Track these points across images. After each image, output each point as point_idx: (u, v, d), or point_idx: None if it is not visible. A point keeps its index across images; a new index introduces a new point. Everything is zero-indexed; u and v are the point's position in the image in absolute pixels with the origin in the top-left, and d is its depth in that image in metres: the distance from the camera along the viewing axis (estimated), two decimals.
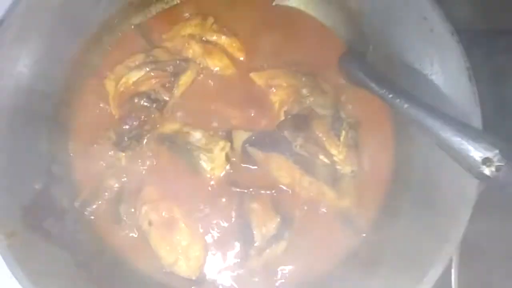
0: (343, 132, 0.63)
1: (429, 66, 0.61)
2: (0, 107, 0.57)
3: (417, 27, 0.61)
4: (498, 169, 0.49)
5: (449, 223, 0.54)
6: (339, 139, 0.63)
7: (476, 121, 0.55)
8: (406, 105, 0.57)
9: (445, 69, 0.59)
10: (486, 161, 0.49)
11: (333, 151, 0.63)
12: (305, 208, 0.62)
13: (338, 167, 0.63)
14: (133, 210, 0.61)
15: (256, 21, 0.70)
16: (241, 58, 0.69)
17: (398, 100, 0.58)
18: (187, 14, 0.70)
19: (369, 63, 0.65)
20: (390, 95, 0.58)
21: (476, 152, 0.50)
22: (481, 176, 0.50)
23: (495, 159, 0.49)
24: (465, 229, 0.53)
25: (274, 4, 0.72)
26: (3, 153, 0.56)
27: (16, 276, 0.50)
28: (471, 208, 0.53)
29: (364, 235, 0.62)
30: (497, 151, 0.49)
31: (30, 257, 0.52)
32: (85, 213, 0.61)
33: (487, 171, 0.49)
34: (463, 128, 0.52)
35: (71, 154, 0.64)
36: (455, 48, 0.58)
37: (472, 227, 0.54)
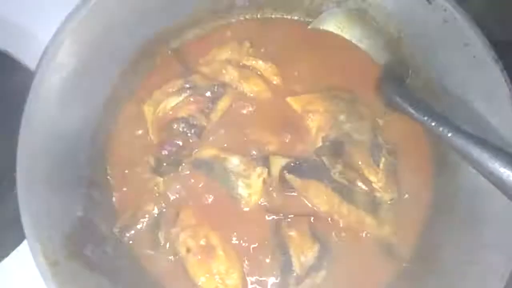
0: (382, 159, 0.62)
1: (471, 93, 0.60)
2: (44, 134, 0.58)
3: (459, 53, 0.60)
4: None
5: (495, 256, 0.53)
6: (378, 166, 0.62)
7: None
8: (450, 134, 0.56)
9: (488, 97, 0.59)
10: None
11: (372, 178, 0.62)
12: (344, 235, 0.61)
13: (377, 194, 0.62)
14: (170, 236, 0.61)
15: (292, 45, 0.71)
16: (277, 83, 0.69)
17: (441, 129, 0.57)
18: (223, 39, 0.71)
19: (408, 88, 0.64)
20: (433, 123, 0.58)
21: None
22: None
23: None
24: None
25: (310, 27, 0.72)
26: (45, 182, 0.57)
27: None
28: None
29: (405, 264, 0.61)
30: None
31: (72, 284, 0.53)
32: (124, 238, 0.61)
33: None
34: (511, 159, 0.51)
35: (110, 180, 0.65)
36: (499, 76, 0.58)
37: None
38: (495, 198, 0.54)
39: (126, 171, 0.64)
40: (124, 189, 0.64)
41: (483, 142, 0.53)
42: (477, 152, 0.53)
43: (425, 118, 0.59)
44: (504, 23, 0.75)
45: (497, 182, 0.51)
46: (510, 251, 0.53)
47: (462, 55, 0.60)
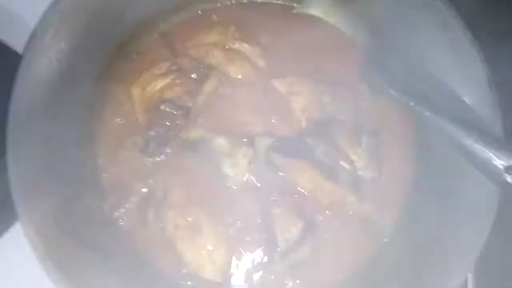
0: (364, 139, 0.64)
1: (450, 75, 0.62)
2: (33, 114, 0.59)
3: (438, 36, 0.62)
4: None
5: (471, 230, 0.55)
6: (359, 146, 0.64)
7: (497, 129, 0.57)
8: (427, 113, 0.58)
9: (465, 78, 0.60)
10: (509, 169, 0.50)
11: (354, 157, 0.64)
12: (328, 213, 0.63)
13: (359, 172, 0.64)
14: (159, 214, 0.63)
15: (277, 28, 0.71)
16: (262, 65, 0.70)
17: (419, 108, 0.59)
18: (209, 23, 0.72)
19: (390, 70, 0.66)
20: (411, 103, 0.60)
21: (498, 160, 0.51)
22: (503, 184, 0.51)
23: None
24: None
25: (294, 12, 0.73)
26: (35, 160, 0.58)
27: (52, 278, 0.52)
28: (494, 215, 0.55)
29: (386, 240, 0.63)
30: None
31: (64, 259, 0.54)
32: (114, 216, 0.63)
33: (509, 178, 0.50)
34: (485, 136, 0.53)
35: (99, 160, 0.66)
36: (476, 57, 0.59)
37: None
38: (470, 175, 0.57)
39: (115, 152, 0.65)
40: (113, 169, 0.65)
41: (458, 120, 0.55)
42: (452, 129, 0.55)
43: (405, 98, 0.61)
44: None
45: (471, 157, 0.53)
46: (483, 224, 0.55)
47: (440, 37, 0.61)
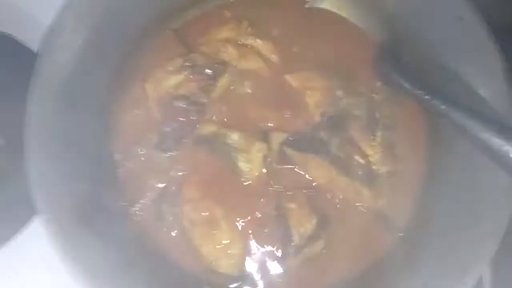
0: (379, 133, 0.64)
1: (465, 67, 0.61)
2: (49, 111, 0.59)
3: (453, 28, 0.61)
4: None
5: (488, 225, 0.55)
6: (374, 140, 0.64)
7: None
8: (443, 106, 0.57)
9: (481, 70, 0.60)
10: None
11: (369, 151, 0.64)
12: (342, 208, 0.63)
13: (373, 167, 0.64)
14: (174, 209, 0.63)
15: (289, 23, 0.71)
16: (276, 61, 0.70)
17: (434, 101, 0.58)
18: (222, 19, 0.72)
19: (404, 63, 0.66)
20: (427, 96, 0.59)
21: None
22: None
23: None
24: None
25: (307, 6, 0.73)
26: (52, 156, 0.59)
27: (71, 273, 0.53)
28: (511, 210, 0.54)
29: (401, 234, 0.63)
30: None
31: (82, 254, 0.55)
32: (130, 212, 0.63)
33: None
34: (503, 129, 0.52)
35: (115, 156, 0.66)
36: (491, 49, 0.59)
37: None
38: (487, 169, 0.56)
39: (130, 147, 0.66)
40: (129, 164, 0.65)
41: (475, 114, 0.54)
42: (469, 123, 0.54)
43: (420, 92, 0.60)
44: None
45: (488, 151, 0.53)
46: (500, 219, 0.54)
47: (456, 29, 0.61)
